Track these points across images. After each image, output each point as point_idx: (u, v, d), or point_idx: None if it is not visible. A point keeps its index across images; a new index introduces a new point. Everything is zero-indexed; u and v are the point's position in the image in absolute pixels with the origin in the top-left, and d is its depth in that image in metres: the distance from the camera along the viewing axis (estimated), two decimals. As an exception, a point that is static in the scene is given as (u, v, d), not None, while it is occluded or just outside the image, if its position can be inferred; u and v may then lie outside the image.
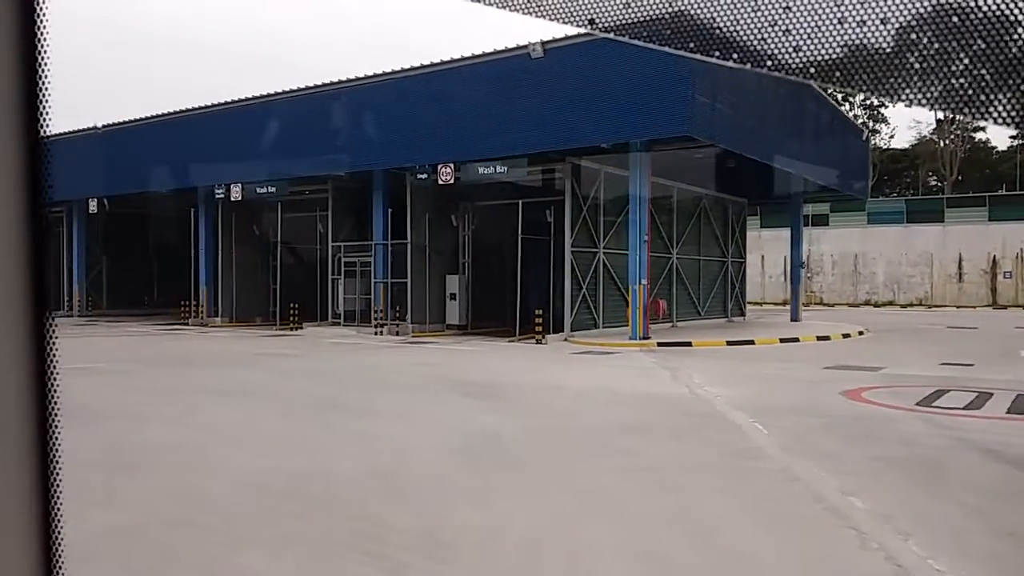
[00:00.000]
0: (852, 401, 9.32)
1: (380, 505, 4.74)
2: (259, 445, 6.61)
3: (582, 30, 1.13)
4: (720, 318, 27.09)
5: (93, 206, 29.02)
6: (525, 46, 18.13)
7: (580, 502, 4.80)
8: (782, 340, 18.55)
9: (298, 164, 22.89)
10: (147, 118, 27.08)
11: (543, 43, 17.81)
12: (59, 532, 0.85)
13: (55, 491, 0.85)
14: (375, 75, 21.24)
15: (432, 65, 20.01)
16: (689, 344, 17.60)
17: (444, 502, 4.78)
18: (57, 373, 0.84)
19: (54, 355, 0.84)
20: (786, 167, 21.50)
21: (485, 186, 21.02)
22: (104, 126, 28.50)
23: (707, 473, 5.69)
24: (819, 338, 19.37)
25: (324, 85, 22.29)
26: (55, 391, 0.84)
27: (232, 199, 24.92)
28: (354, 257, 24.37)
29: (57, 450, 0.85)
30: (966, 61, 0.97)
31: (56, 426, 0.84)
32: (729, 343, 17.80)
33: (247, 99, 24.02)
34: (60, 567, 0.85)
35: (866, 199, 32.99)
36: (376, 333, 21.73)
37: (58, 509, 0.85)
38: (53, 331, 0.84)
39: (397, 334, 21.74)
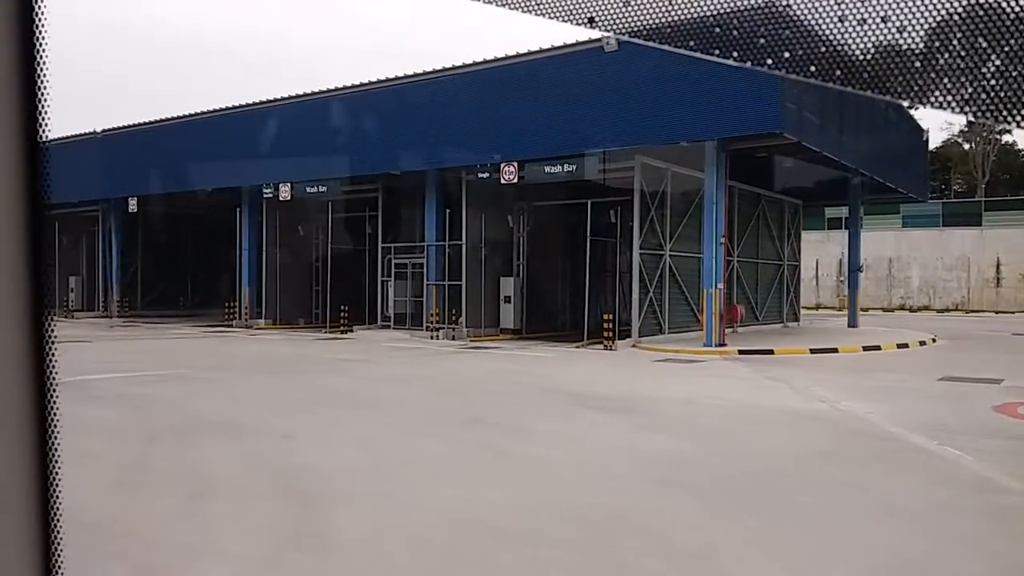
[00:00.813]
0: (1015, 419, 8.61)
1: (650, 553, 4.07)
2: (441, 470, 5.93)
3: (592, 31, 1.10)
4: (776, 323, 26.33)
5: (133, 205, 28.47)
6: (598, 40, 17.43)
7: (886, 559, 4.10)
8: (864, 348, 17.78)
9: (351, 162, 22.28)
10: (190, 115, 26.51)
11: (617, 36, 17.10)
12: (59, 532, 0.84)
13: (55, 491, 0.83)
14: (432, 72, 20.59)
15: (496, 60, 19.36)
16: (771, 352, 16.85)
17: (725, 555, 4.10)
18: (56, 373, 0.82)
19: (53, 355, 0.83)
20: (860, 166, 20.74)
21: (541, 186, 20.34)
22: (144, 123, 27.94)
23: (969, 514, 4.99)
24: (899, 346, 18.62)
25: (379, 82, 21.65)
26: (55, 391, 0.83)
27: (280, 198, 24.32)
28: (405, 259, 23.74)
29: (57, 450, 0.83)
30: (968, 60, 0.96)
31: (56, 426, 0.83)
32: (813, 351, 17.05)
33: (297, 96, 23.41)
34: (60, 567, 0.84)
35: (925, 200, 32.14)
36: (432, 337, 21.07)
37: (58, 509, 0.83)
38: (53, 331, 0.82)
39: (453, 338, 21.08)
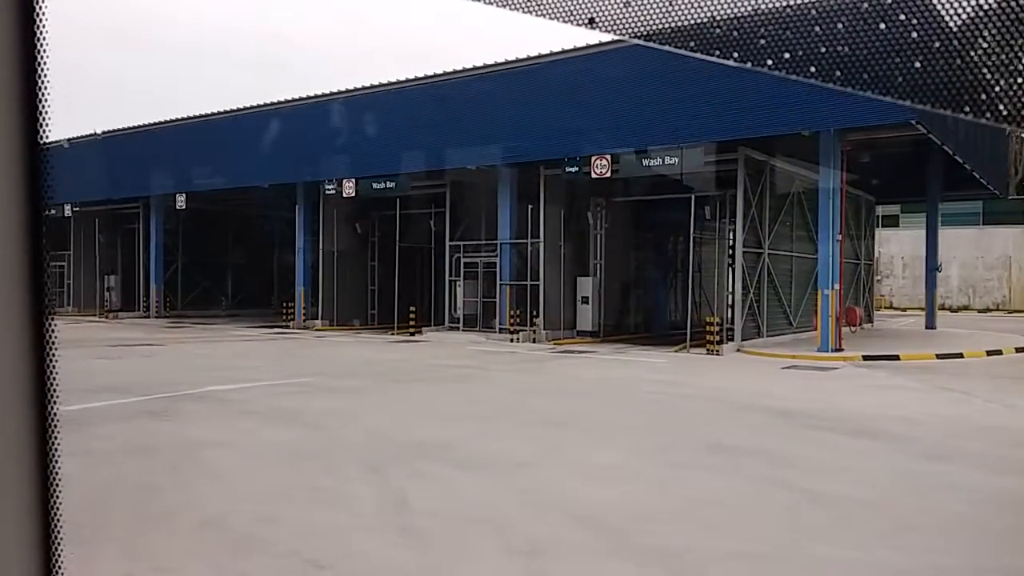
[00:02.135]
0: None
1: None
2: (768, 515, 4.87)
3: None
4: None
5: (182, 201, 27.40)
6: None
7: None
8: (988, 352, 16.71)
9: (423, 158, 21.23)
10: (240, 109, 25.43)
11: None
12: (59, 532, 0.84)
13: (55, 491, 0.84)
14: (505, 63, 19.48)
15: (587, 47, 18.26)
16: (897, 357, 15.77)
17: None
18: (57, 373, 0.82)
19: (54, 356, 0.84)
20: (967, 160, 19.64)
21: (622, 180, 19.31)
22: (193, 117, 26.88)
23: None
24: (1017, 349, 17.54)
25: (450, 74, 20.54)
26: (55, 392, 0.83)
27: (345, 195, 23.26)
28: (475, 257, 22.67)
29: (57, 450, 0.83)
30: (968, 60, 0.96)
31: (56, 426, 0.83)
32: (939, 356, 15.96)
33: (362, 88, 22.31)
34: (60, 568, 0.84)
35: (1006, 196, 31.02)
36: (512, 340, 20.00)
37: (58, 509, 0.84)
38: (53, 332, 0.83)
39: (533, 341, 20.04)
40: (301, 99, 23.83)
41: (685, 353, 17.18)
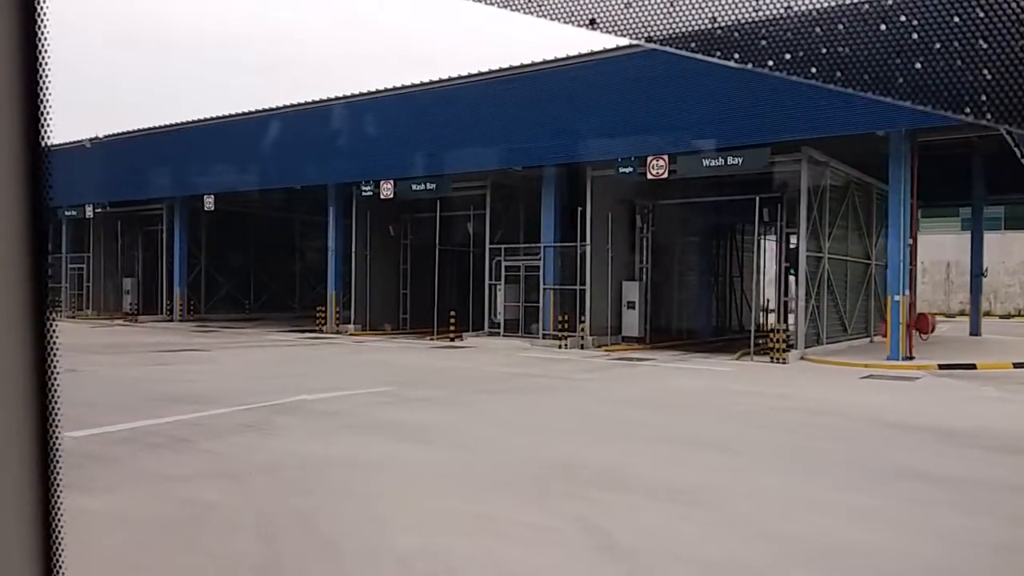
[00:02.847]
0: None
1: None
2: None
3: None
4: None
5: (210, 203, 26.80)
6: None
7: None
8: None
9: (466, 158, 20.68)
10: (272, 110, 24.83)
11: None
12: (59, 532, 0.84)
13: (55, 491, 0.84)
14: (556, 60, 18.91)
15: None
16: (973, 366, 15.20)
17: None
18: (58, 374, 0.82)
19: (55, 356, 0.84)
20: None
21: (670, 182, 18.78)
22: (221, 117, 26.29)
23: None
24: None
25: (494, 72, 19.97)
26: (56, 392, 0.83)
27: (382, 196, 22.68)
28: (517, 261, 22.10)
29: (57, 450, 0.83)
30: (969, 61, 0.97)
31: (57, 426, 0.83)
32: (1015, 365, 15.40)
33: (398, 88, 21.72)
34: (60, 568, 0.84)
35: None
36: (560, 346, 19.42)
37: (58, 509, 0.84)
38: (54, 332, 0.83)
39: (581, 347, 19.47)
40: (336, 99, 23.25)
41: (749, 361, 16.61)
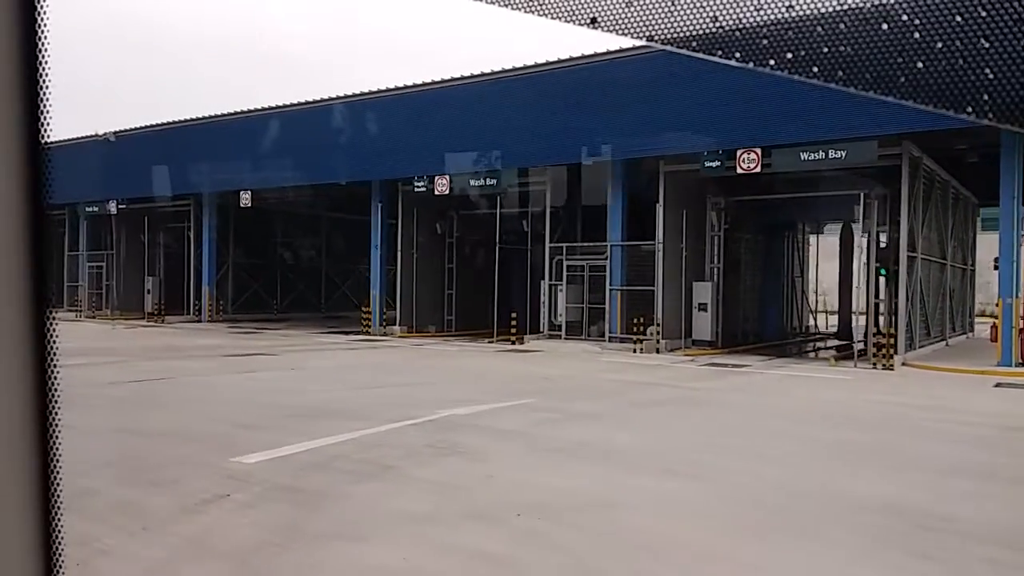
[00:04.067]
0: None
1: None
2: None
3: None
4: (961, 335, 23.91)
5: (247, 199, 25.66)
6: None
7: None
8: None
9: (527, 153, 19.73)
10: (316, 102, 23.71)
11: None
12: (59, 533, 0.84)
13: (55, 491, 0.84)
14: (631, 49, 17.90)
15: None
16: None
17: None
18: (58, 373, 0.81)
19: (55, 355, 0.83)
20: None
21: (748, 177, 17.91)
22: (257, 110, 25.16)
23: None
24: None
25: (562, 61, 18.96)
26: (56, 392, 0.82)
27: (437, 192, 21.65)
28: (580, 260, 21.12)
29: (57, 450, 0.83)
30: (970, 61, 0.96)
31: (57, 426, 0.83)
32: None
33: (463, 78, 20.70)
34: (60, 569, 0.84)
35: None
36: (635, 350, 18.45)
37: (58, 509, 0.84)
38: (54, 331, 0.83)
39: (657, 351, 18.51)
40: (387, 91, 22.17)
41: (851, 367, 15.68)
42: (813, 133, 15.92)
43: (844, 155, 15.74)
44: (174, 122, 27.17)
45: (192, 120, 26.59)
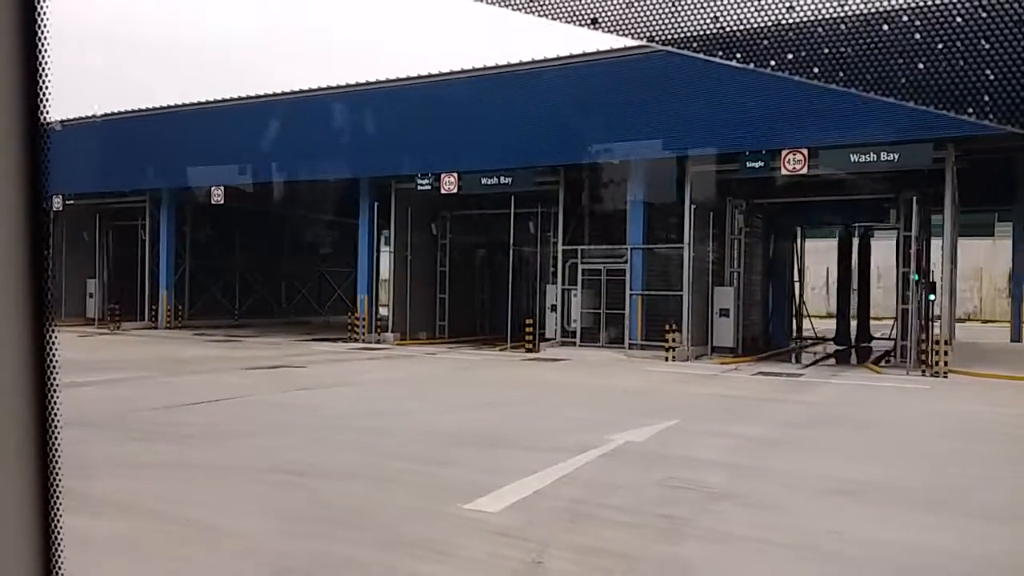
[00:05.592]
0: None
1: None
2: None
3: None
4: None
5: (218, 195, 23.57)
6: None
7: None
8: None
9: (542, 150, 18.68)
10: (304, 92, 21.96)
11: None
12: (59, 533, 0.84)
13: (55, 493, 0.83)
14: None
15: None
16: None
17: None
18: (57, 374, 0.81)
19: (54, 356, 0.82)
20: None
21: (766, 180, 17.49)
22: (233, 99, 23.18)
23: None
24: None
25: (591, 55, 18.02)
26: (55, 392, 0.82)
27: (444, 190, 20.30)
28: (597, 263, 20.17)
29: (57, 452, 0.82)
30: (970, 62, 0.94)
31: (57, 428, 0.82)
32: None
33: (476, 70, 19.47)
34: (60, 568, 0.84)
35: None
36: (667, 358, 17.64)
37: (58, 510, 0.83)
38: (53, 332, 0.82)
39: (686, 359, 17.76)
40: (387, 81, 20.70)
41: (905, 375, 15.27)
42: (869, 133, 15.45)
43: (897, 157, 15.34)
44: (137, 111, 24.80)
45: (159, 108, 24.32)
